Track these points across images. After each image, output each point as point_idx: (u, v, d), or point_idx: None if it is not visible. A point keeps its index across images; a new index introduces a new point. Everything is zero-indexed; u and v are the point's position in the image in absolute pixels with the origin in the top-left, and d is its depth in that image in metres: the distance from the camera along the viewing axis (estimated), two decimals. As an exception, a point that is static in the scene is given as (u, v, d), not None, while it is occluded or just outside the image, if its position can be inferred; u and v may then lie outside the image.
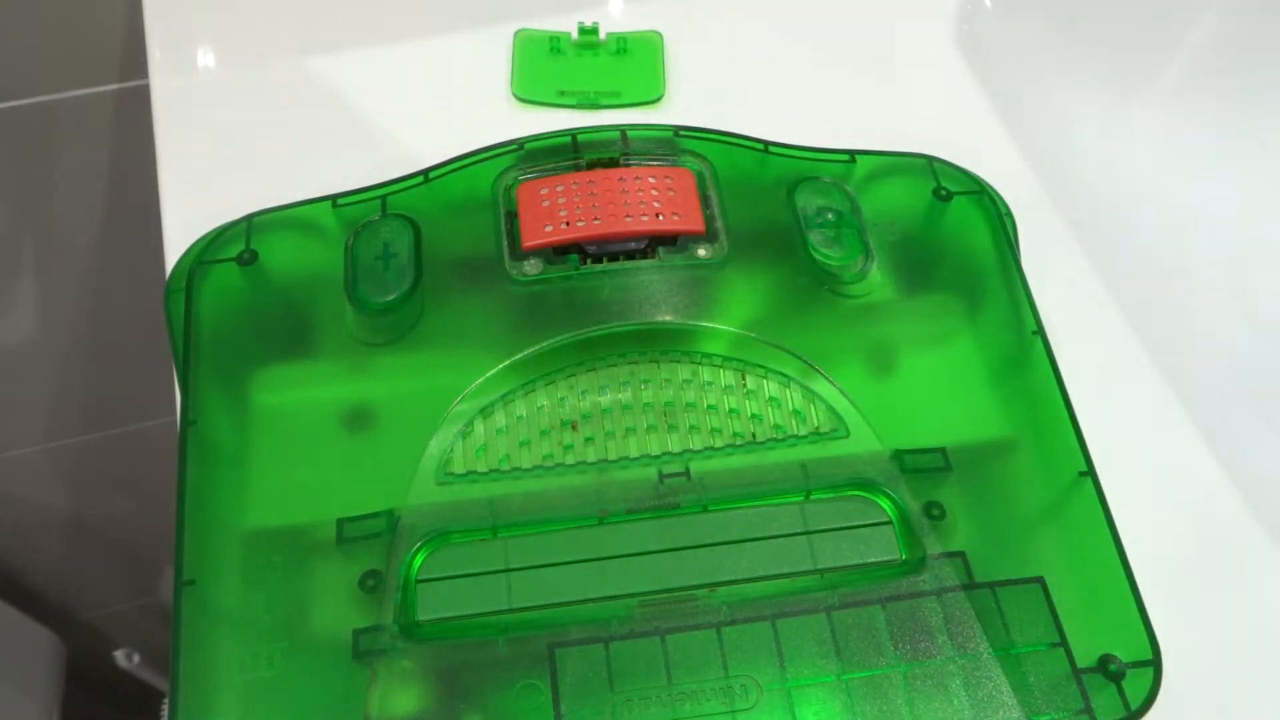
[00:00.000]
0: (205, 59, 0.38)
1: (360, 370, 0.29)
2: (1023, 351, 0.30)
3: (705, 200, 0.32)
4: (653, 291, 0.30)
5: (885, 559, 0.27)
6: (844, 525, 0.27)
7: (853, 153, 0.34)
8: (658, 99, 0.38)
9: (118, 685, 0.87)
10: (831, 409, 0.29)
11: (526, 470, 0.28)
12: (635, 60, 0.38)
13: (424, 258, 0.31)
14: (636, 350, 0.30)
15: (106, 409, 0.71)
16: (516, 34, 0.39)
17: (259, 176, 0.35)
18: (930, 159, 0.34)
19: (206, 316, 0.30)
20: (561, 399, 0.29)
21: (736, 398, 0.29)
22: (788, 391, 0.29)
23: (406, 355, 0.29)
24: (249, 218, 0.31)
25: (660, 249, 0.31)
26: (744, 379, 0.29)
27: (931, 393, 0.30)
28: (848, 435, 0.28)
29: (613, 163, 0.32)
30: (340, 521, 0.27)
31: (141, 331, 0.64)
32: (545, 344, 0.29)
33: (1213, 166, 0.44)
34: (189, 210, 0.34)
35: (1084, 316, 0.34)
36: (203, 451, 0.28)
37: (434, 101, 0.37)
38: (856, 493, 0.28)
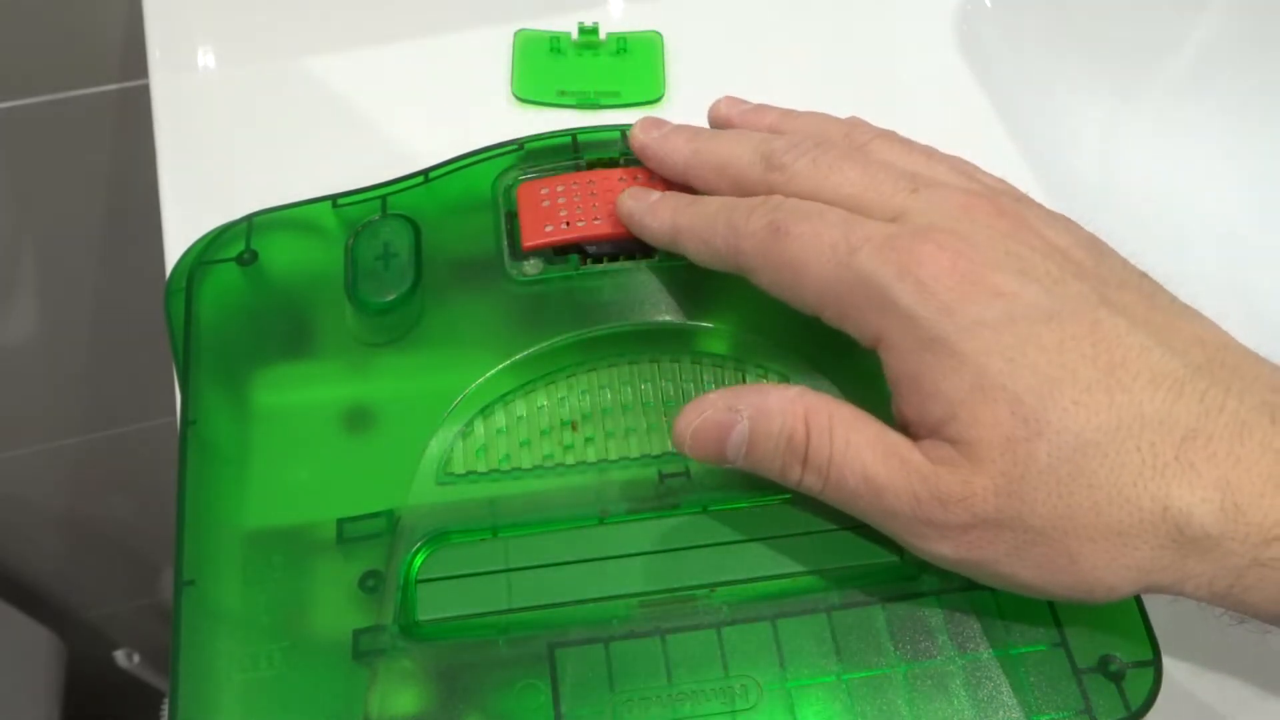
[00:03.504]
0: (205, 59, 0.38)
1: (360, 370, 0.29)
2: (1023, 351, 0.30)
3: (705, 200, 0.32)
4: (653, 291, 0.30)
5: (885, 559, 0.27)
6: (844, 525, 0.27)
7: (853, 153, 0.34)
8: (658, 99, 0.38)
9: (118, 685, 0.87)
10: (831, 409, 0.29)
11: (527, 470, 0.28)
12: (635, 60, 0.38)
13: (424, 258, 0.31)
14: (636, 350, 0.30)
15: (106, 409, 0.71)
16: (516, 34, 0.39)
17: (259, 176, 0.35)
18: (930, 159, 0.34)
19: (206, 316, 0.30)
20: (561, 399, 0.29)
21: (736, 398, 0.29)
22: (788, 391, 0.29)
23: (406, 355, 0.29)
24: (249, 218, 0.31)
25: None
26: (744, 378, 0.29)
27: (931, 393, 0.30)
28: (848, 435, 0.28)
29: (613, 163, 0.32)
30: (340, 521, 0.27)
31: (141, 331, 0.64)
32: (545, 344, 0.29)
33: (1214, 166, 0.44)
34: (189, 210, 0.34)
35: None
36: (203, 451, 0.28)
37: (434, 101, 0.37)
38: (856, 493, 0.28)
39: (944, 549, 0.23)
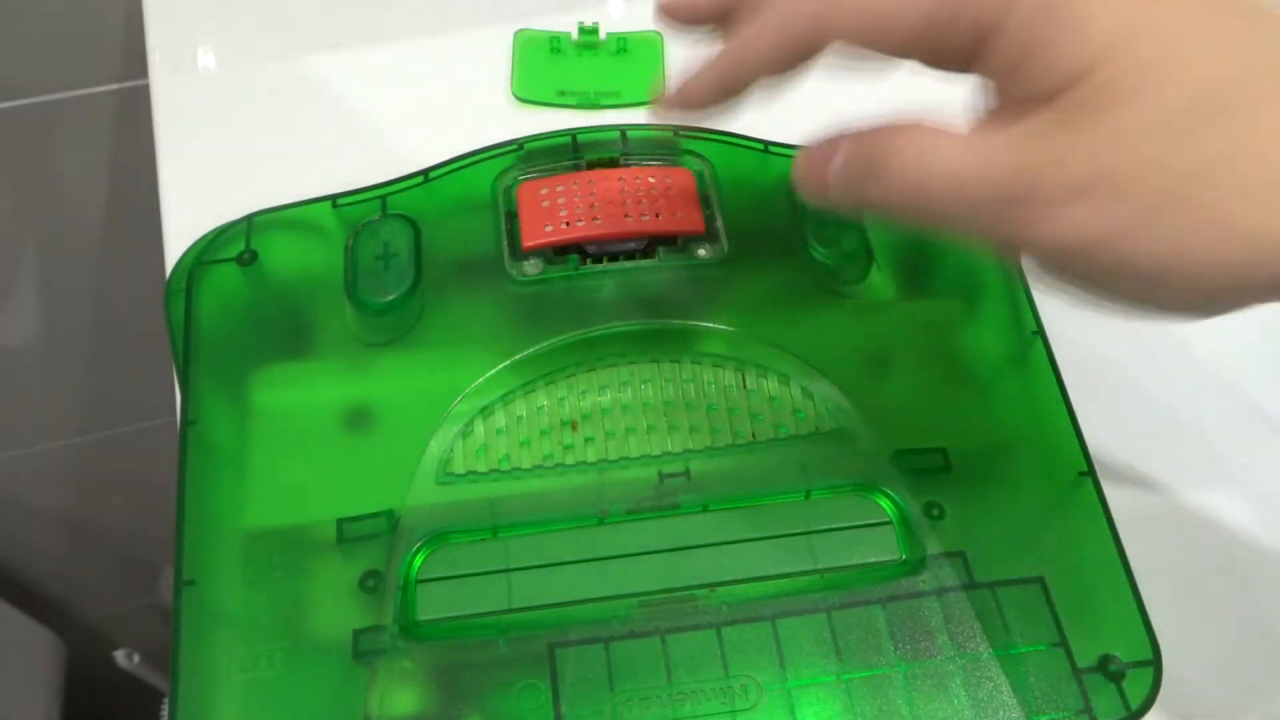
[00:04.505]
0: (205, 59, 0.38)
1: (360, 370, 0.29)
2: (1023, 351, 0.30)
3: (705, 200, 0.32)
4: (653, 291, 0.30)
5: (885, 559, 0.27)
6: (844, 525, 0.27)
7: (853, 152, 0.34)
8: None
9: (118, 685, 0.87)
10: (831, 409, 0.29)
11: (526, 470, 0.28)
12: (635, 60, 0.38)
13: (424, 258, 0.31)
14: (636, 350, 0.30)
15: (106, 409, 0.71)
16: (516, 34, 0.39)
17: (259, 176, 0.35)
18: (930, 159, 0.34)
19: (206, 316, 0.30)
20: (561, 399, 0.29)
21: (736, 397, 0.29)
22: (787, 391, 0.29)
23: (406, 355, 0.29)
24: (249, 218, 0.32)
25: (660, 249, 0.31)
26: (744, 379, 0.29)
27: (931, 393, 0.30)
28: (848, 435, 0.28)
29: (613, 163, 0.32)
30: (340, 521, 0.27)
31: (141, 331, 0.64)
32: (545, 344, 0.29)
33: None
34: (189, 210, 0.34)
35: (1084, 316, 0.33)
36: (203, 451, 0.28)
37: (434, 101, 0.37)
38: (856, 492, 0.28)
39: (1049, 230, 0.20)
